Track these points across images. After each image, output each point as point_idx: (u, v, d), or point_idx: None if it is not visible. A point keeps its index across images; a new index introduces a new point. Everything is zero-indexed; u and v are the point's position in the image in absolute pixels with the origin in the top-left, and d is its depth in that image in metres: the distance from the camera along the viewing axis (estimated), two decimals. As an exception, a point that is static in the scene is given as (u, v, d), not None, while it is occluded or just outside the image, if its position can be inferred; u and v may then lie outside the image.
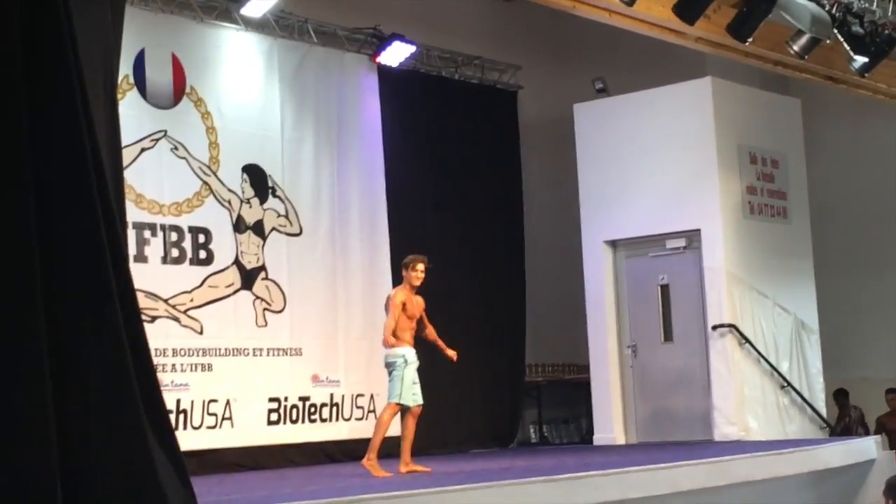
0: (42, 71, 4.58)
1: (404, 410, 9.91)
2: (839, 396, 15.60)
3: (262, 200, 12.58)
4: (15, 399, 4.40)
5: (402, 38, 13.69)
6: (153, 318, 11.20)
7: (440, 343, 10.31)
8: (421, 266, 10.04)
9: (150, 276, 11.24)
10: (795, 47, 11.93)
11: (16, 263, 4.45)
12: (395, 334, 9.90)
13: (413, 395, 9.88)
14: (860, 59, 12.30)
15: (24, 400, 4.41)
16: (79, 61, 4.66)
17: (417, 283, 10.05)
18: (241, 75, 12.57)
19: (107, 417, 4.66)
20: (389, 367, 9.91)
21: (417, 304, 10.12)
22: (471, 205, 14.77)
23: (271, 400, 12.36)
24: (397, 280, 12.74)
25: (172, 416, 10.76)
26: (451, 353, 10.33)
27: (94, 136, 4.70)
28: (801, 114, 15.28)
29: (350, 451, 12.76)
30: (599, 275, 14.62)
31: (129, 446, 4.71)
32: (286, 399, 12.48)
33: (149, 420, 4.79)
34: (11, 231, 4.46)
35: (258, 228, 12.49)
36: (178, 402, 11.37)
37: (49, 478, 4.37)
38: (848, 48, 12.07)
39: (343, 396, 12.98)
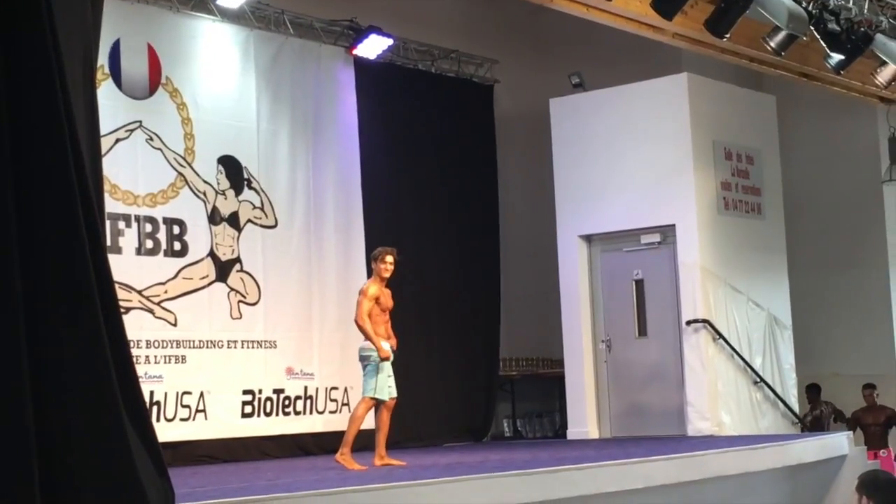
0: (21, 60, 4.55)
1: (378, 404, 9.89)
2: (811, 391, 15.69)
3: (238, 192, 12.54)
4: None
5: (378, 31, 13.67)
6: (127, 310, 11.13)
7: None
8: (390, 258, 9.96)
9: (124, 267, 11.17)
10: (772, 44, 11.97)
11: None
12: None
13: (388, 388, 9.86)
14: (836, 57, 12.36)
15: (0, 390, 4.38)
16: (59, 51, 4.63)
17: (387, 275, 9.97)
18: (216, 66, 12.52)
19: (85, 408, 4.64)
20: (363, 360, 9.88)
21: (387, 295, 10.05)
22: (446, 198, 14.78)
23: (245, 392, 12.33)
24: (372, 273, 12.75)
25: (146, 408, 10.69)
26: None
27: (74, 126, 4.68)
28: (776, 110, 15.34)
29: (324, 443, 12.75)
30: (574, 269, 14.63)
31: (106, 436, 4.69)
32: (260, 391, 12.46)
33: (127, 411, 4.77)
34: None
35: (233, 220, 12.46)
36: (152, 393, 11.32)
37: (26, 467, 4.35)
38: (824, 45, 12.13)
39: (317, 389, 12.96)
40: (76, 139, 4.69)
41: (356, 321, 9.83)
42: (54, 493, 4.52)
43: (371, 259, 10.22)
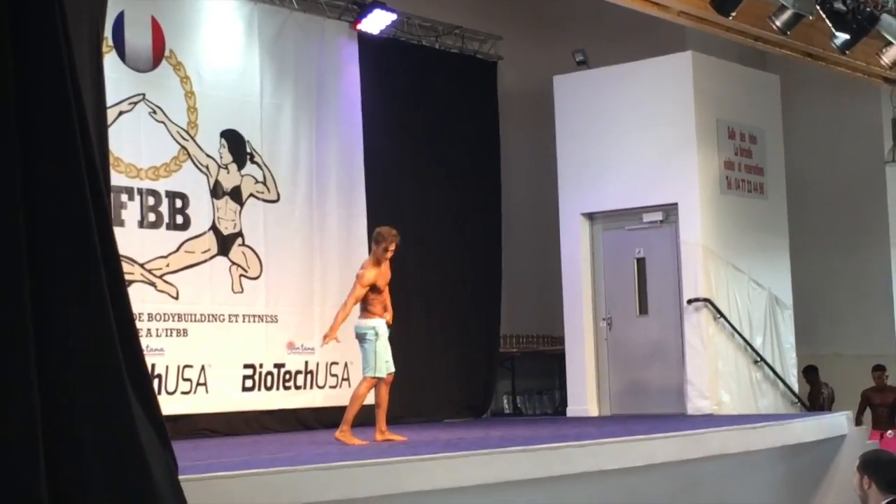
0: (29, 32, 4.54)
1: (378, 381, 9.90)
2: (809, 372, 15.71)
3: (240, 166, 12.52)
4: (-3, 361, 4.39)
5: (382, 6, 13.63)
6: (129, 283, 11.05)
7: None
8: (393, 246, 9.94)
9: (126, 240, 11.10)
10: (778, 23, 11.94)
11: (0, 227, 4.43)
12: (366, 308, 9.85)
13: (386, 364, 9.87)
14: (841, 36, 12.34)
15: (6, 361, 4.38)
16: (66, 22, 4.62)
17: (386, 259, 9.97)
18: (220, 40, 12.48)
19: (89, 379, 4.65)
20: (360, 338, 9.88)
21: (385, 274, 10.01)
22: (448, 175, 14.76)
23: (246, 366, 12.34)
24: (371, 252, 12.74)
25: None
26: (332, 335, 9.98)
27: (81, 98, 4.67)
28: (780, 90, 15.31)
29: (324, 418, 12.78)
30: (576, 247, 14.63)
31: (110, 407, 4.70)
32: (261, 366, 12.47)
33: (131, 382, 4.78)
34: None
35: (235, 194, 12.44)
36: (153, 367, 11.30)
37: (31, 438, 4.36)
38: (830, 25, 12.10)
39: (318, 364, 12.97)
40: (83, 111, 4.69)
41: (345, 302, 9.83)
42: (57, 462, 4.53)
43: (373, 239, 10.12)
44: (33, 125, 4.55)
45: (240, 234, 12.42)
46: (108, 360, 4.70)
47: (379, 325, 9.84)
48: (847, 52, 12.77)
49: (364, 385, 9.88)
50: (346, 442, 9.64)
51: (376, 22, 13.70)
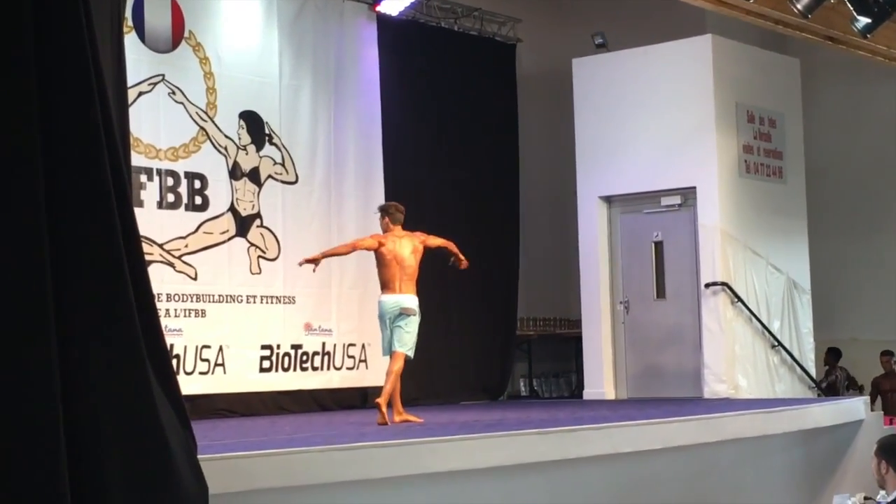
0: (50, 11, 4.55)
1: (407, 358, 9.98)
2: (830, 354, 15.69)
3: (259, 147, 12.54)
4: (17, 339, 4.40)
5: (401, -12, 13.62)
6: (148, 263, 11.13)
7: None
8: (381, 219, 10.27)
9: (145, 220, 11.13)
10: (799, 6, 11.88)
11: (21, 205, 4.44)
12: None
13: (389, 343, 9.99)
14: (863, 20, 12.26)
15: (27, 340, 4.41)
16: (87, 2, 4.63)
17: (386, 231, 10.20)
18: (240, 21, 12.49)
19: (110, 358, 4.67)
20: (408, 313, 9.89)
21: (401, 246, 10.08)
22: (466, 157, 14.75)
23: (264, 347, 12.38)
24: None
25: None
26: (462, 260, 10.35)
27: (102, 78, 4.68)
28: (800, 74, 15.25)
29: (341, 399, 12.84)
30: (593, 230, 14.63)
31: (131, 386, 4.72)
32: (278, 347, 12.51)
33: (151, 362, 4.80)
34: (17, 173, 4.45)
35: (254, 175, 12.46)
36: (172, 347, 11.36)
37: (51, 418, 4.38)
38: (851, 8, 12.03)
39: (335, 345, 13.00)
40: (105, 91, 4.70)
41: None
42: (77, 441, 4.55)
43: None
44: (55, 105, 4.57)
45: (258, 215, 12.45)
46: (129, 340, 4.72)
47: (386, 301, 9.90)
48: (868, 35, 12.69)
49: (401, 361, 9.87)
50: (382, 414, 9.62)
51: (395, 3, 13.70)
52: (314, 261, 10.13)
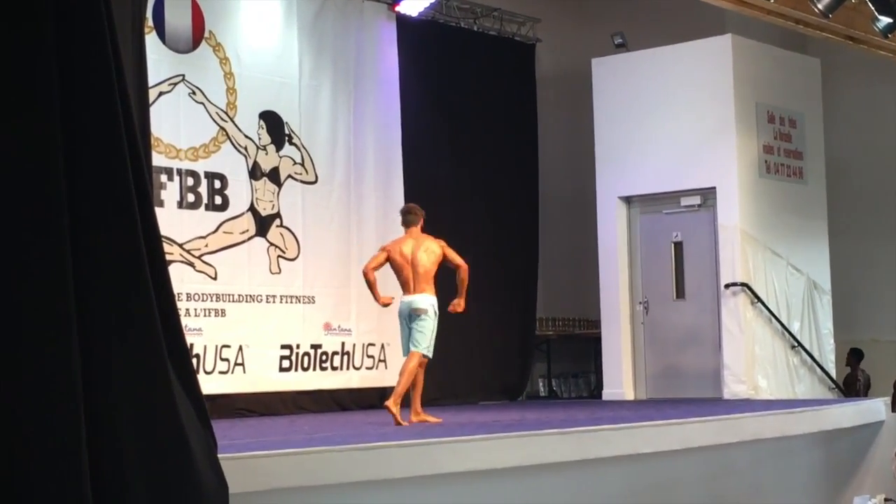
0: (72, 10, 4.57)
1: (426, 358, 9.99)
2: (853, 355, 15.62)
3: (279, 147, 12.57)
4: (40, 338, 4.42)
5: (421, -12, 13.63)
6: (168, 263, 11.19)
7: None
8: (401, 220, 10.37)
9: (165, 220, 11.12)
10: (820, 6, 11.85)
11: (43, 204, 4.47)
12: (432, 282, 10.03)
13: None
14: (884, 20, 12.22)
15: (49, 338, 4.43)
16: (108, 2, 4.64)
17: (406, 233, 10.21)
18: (260, 21, 12.52)
19: (131, 357, 4.68)
20: (422, 312, 9.92)
21: (411, 248, 10.15)
22: (486, 157, 14.75)
23: (283, 347, 12.40)
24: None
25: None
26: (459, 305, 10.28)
27: (124, 78, 4.70)
28: (820, 74, 15.20)
29: (360, 399, 12.86)
30: (613, 230, 14.61)
31: (151, 385, 4.74)
32: (298, 346, 12.53)
33: (171, 361, 4.82)
34: (40, 172, 4.47)
35: (274, 175, 12.49)
36: (192, 346, 11.39)
37: (73, 417, 4.40)
38: (872, 8, 11.99)
39: (354, 345, 13.02)
40: (126, 91, 4.72)
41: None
42: (97, 439, 4.57)
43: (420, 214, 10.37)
44: (76, 105, 4.58)
45: (278, 214, 12.47)
46: (149, 339, 4.74)
47: (435, 303, 9.94)
48: (889, 35, 12.65)
49: (416, 361, 9.88)
50: (396, 416, 9.61)
51: (415, 4, 13.72)
52: (377, 297, 10.14)
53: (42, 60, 4.45)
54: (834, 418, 11.48)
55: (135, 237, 4.71)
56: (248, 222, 12.21)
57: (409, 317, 9.96)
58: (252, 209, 12.26)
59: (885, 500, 8.04)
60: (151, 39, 11.36)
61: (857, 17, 12.98)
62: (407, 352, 10.00)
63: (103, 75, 4.62)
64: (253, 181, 12.28)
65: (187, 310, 11.41)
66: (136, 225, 4.73)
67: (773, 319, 13.94)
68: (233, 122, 12.14)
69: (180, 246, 11.54)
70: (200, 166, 11.81)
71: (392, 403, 9.61)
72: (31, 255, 4.42)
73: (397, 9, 13.69)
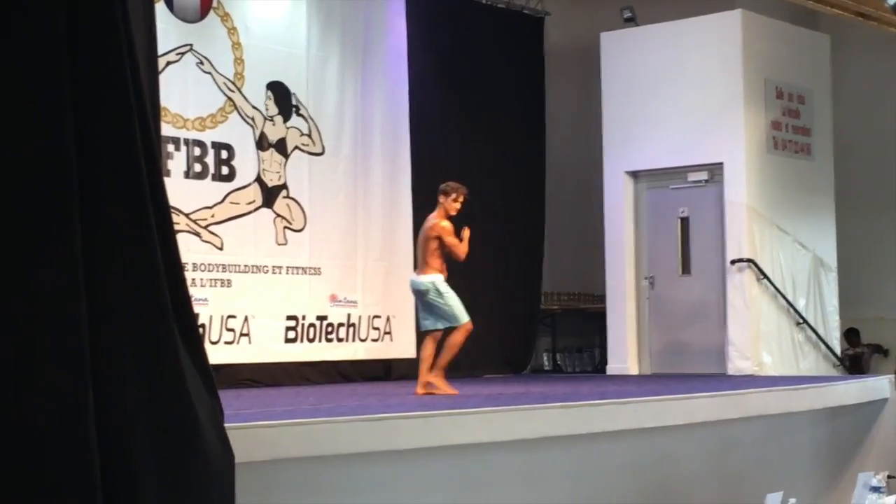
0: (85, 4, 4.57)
1: (428, 332, 10.05)
2: (850, 335, 15.63)
3: (286, 118, 12.55)
4: (47, 304, 4.44)
5: (430, -40, 13.57)
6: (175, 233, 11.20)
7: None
8: (462, 199, 10.16)
9: (172, 190, 11.00)
10: (830, -18, 11.81)
11: (53, 172, 4.48)
12: (426, 261, 10.03)
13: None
14: (895, -3, 12.18)
15: (56, 306, 4.44)
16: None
17: (454, 213, 10.13)
18: (268, -9, 12.48)
19: (138, 325, 4.70)
20: (421, 294, 10.00)
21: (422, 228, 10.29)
22: (493, 130, 14.72)
23: (289, 318, 12.42)
24: (418, 203, 12.77)
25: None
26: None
27: (133, 47, 4.70)
28: (829, 50, 15.15)
29: (365, 371, 12.88)
30: (619, 205, 14.60)
31: (159, 354, 4.75)
32: (304, 317, 12.54)
33: (179, 330, 4.83)
34: (49, 142, 4.47)
35: (281, 146, 12.48)
36: (198, 316, 11.36)
37: (80, 385, 4.42)
38: (883, -16, 11.95)
39: (360, 317, 13.03)
40: (135, 60, 4.71)
41: (462, 257, 10.05)
42: (104, 408, 4.58)
43: (441, 192, 10.25)
44: (85, 72, 4.58)
45: (284, 186, 12.47)
46: (157, 307, 4.75)
47: (437, 280, 9.95)
48: (899, 12, 12.61)
49: (464, 332, 10.01)
50: (440, 385, 9.86)
51: (424, -25, 13.66)
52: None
53: (52, 32, 4.44)
54: (838, 395, 11.49)
55: (144, 208, 4.72)
56: (255, 193, 12.20)
57: (416, 294, 10.12)
58: (259, 180, 12.25)
59: (889, 476, 8.06)
60: (160, 8, 11.33)
61: (868, -6, 12.95)
62: (422, 328, 10.07)
63: (113, 42, 4.62)
64: (260, 152, 12.27)
65: (193, 280, 11.41)
66: (146, 195, 4.74)
67: (779, 296, 13.94)
68: (240, 92, 12.11)
69: (186, 216, 11.53)
70: (207, 136, 11.80)
71: (434, 377, 9.74)
72: (40, 227, 4.43)
73: (406, -20, 13.65)
